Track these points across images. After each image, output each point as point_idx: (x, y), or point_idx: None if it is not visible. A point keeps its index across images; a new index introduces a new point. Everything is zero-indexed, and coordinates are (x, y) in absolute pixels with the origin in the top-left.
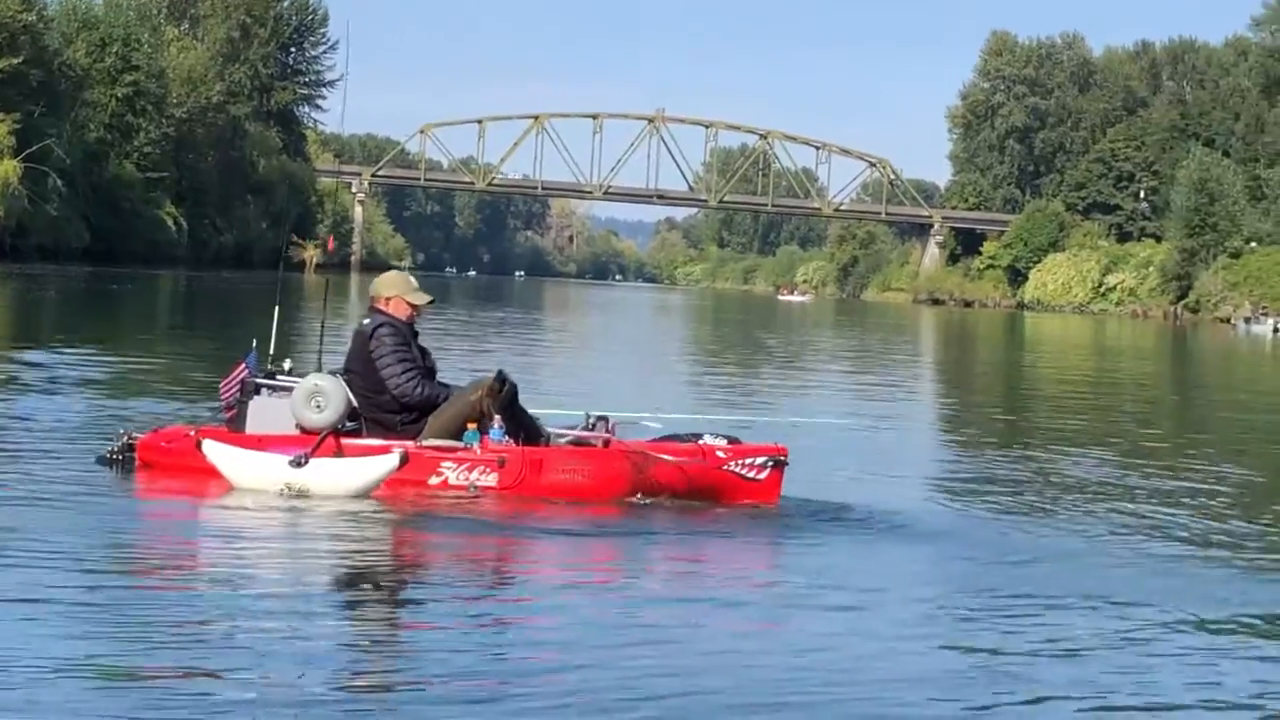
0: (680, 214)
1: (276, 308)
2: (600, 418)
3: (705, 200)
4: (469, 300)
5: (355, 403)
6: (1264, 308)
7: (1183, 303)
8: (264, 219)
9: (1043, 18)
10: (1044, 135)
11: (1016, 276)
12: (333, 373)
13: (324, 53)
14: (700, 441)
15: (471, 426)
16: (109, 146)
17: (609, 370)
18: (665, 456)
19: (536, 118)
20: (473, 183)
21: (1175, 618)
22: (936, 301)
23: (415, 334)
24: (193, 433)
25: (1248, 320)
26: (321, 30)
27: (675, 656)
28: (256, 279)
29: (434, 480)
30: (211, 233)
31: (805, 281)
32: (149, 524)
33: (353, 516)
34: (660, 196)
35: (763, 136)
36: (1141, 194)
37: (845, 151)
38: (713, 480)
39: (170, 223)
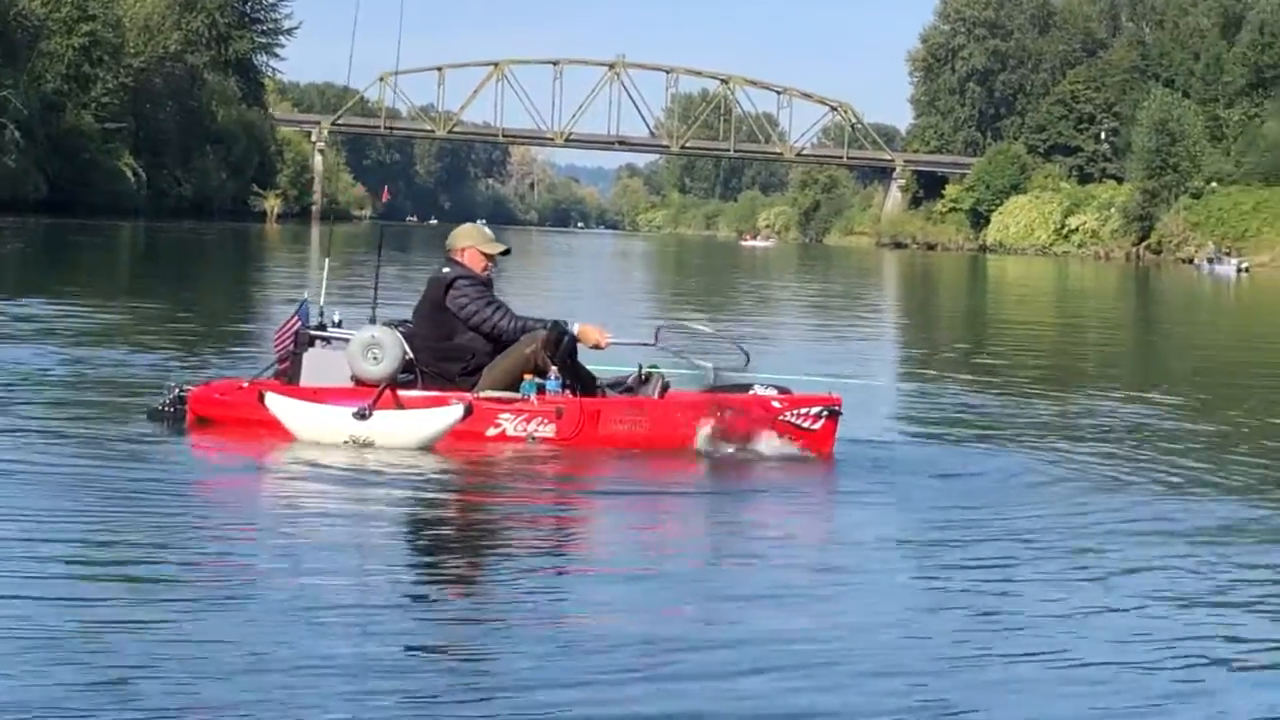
0: (641, 160)
1: (327, 260)
2: (652, 369)
3: (667, 146)
4: (436, 250)
5: (411, 354)
6: (1227, 248)
7: (1145, 244)
8: (223, 169)
9: None
10: (1004, 78)
11: (978, 219)
12: (387, 324)
13: (280, 0)
14: (752, 392)
15: (528, 378)
16: (66, 97)
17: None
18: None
19: (496, 65)
20: (433, 130)
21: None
22: (899, 245)
23: (490, 284)
24: (246, 384)
25: (1211, 260)
26: None
27: (737, 620)
28: (219, 229)
29: (492, 431)
30: (170, 183)
31: (768, 227)
32: (213, 477)
33: (413, 469)
34: (621, 143)
35: (724, 81)
36: (1102, 135)
37: (806, 96)
38: (769, 430)
39: (129, 173)
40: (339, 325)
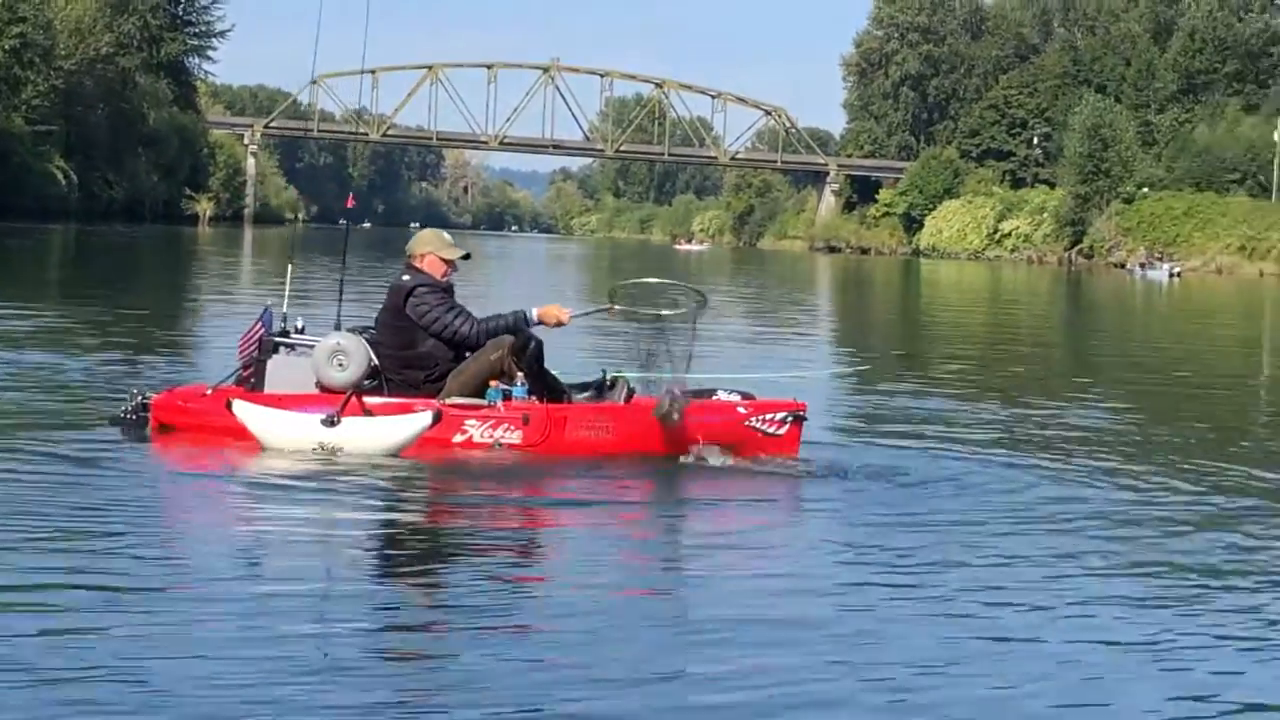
0: (575, 164)
1: (290, 265)
2: (618, 375)
3: (601, 150)
4: (371, 253)
5: (376, 361)
6: (1158, 253)
7: (1077, 249)
8: (155, 172)
9: None
10: (937, 83)
11: (912, 223)
12: (352, 330)
13: (213, 3)
14: (716, 397)
15: (494, 384)
16: None
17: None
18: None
19: (430, 68)
20: (366, 134)
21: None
22: (833, 249)
23: (450, 289)
24: (209, 391)
25: (1143, 266)
26: None
27: (704, 632)
28: (152, 232)
29: (458, 438)
30: (102, 186)
31: (702, 231)
32: (177, 485)
33: (378, 477)
34: (556, 146)
35: (658, 85)
36: (1034, 140)
37: (741, 100)
38: (735, 436)
39: (60, 176)
40: (301, 331)
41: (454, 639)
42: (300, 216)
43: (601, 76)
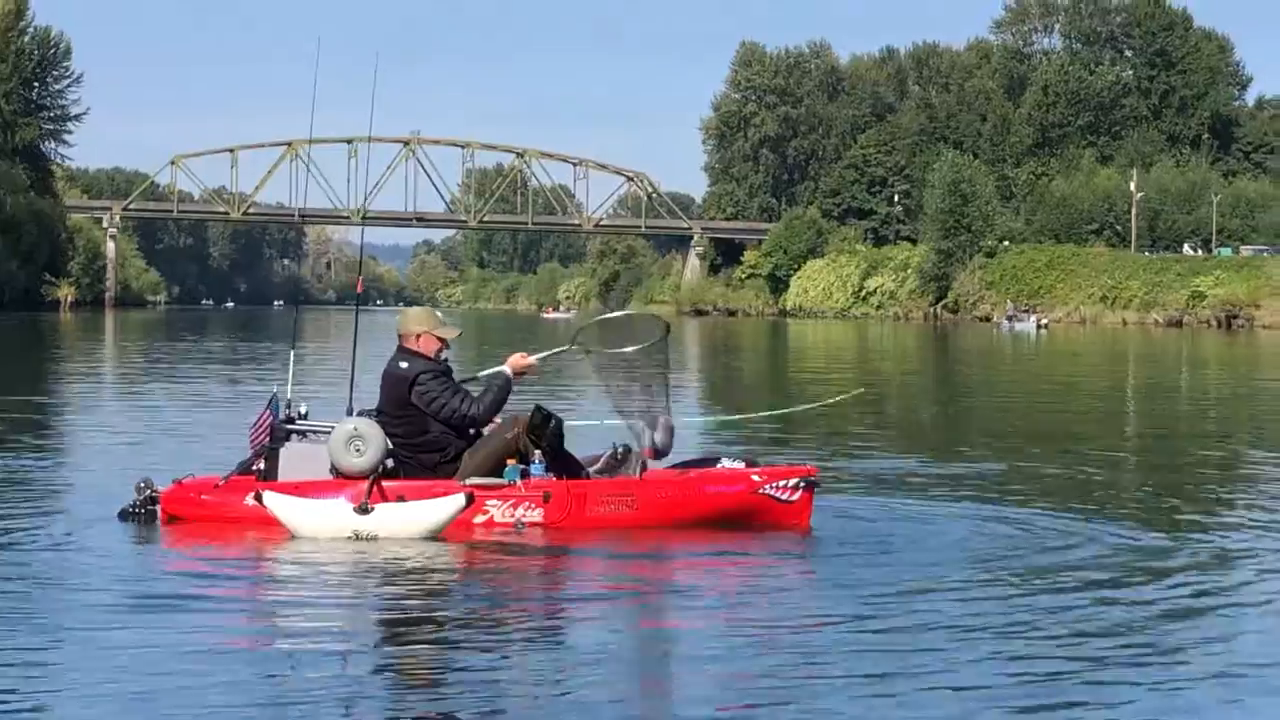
0: (438, 236)
1: (292, 353)
2: (626, 448)
3: (465, 221)
4: (235, 333)
5: (390, 445)
6: (1025, 305)
7: (942, 304)
8: (13, 259)
9: (791, 26)
10: (796, 144)
11: (778, 284)
12: (363, 413)
13: (68, 86)
14: (721, 465)
15: (511, 463)
16: None
17: None
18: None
19: (290, 144)
20: (227, 213)
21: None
22: (700, 312)
23: (449, 370)
24: (221, 483)
25: (1010, 318)
26: (65, 64)
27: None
28: (16, 320)
29: (480, 519)
30: None
31: (568, 298)
32: (199, 576)
33: (406, 559)
34: (419, 219)
35: (519, 155)
36: (895, 198)
37: (602, 166)
38: (749, 504)
39: None
40: (305, 417)
41: None
42: (162, 299)
43: (462, 148)
